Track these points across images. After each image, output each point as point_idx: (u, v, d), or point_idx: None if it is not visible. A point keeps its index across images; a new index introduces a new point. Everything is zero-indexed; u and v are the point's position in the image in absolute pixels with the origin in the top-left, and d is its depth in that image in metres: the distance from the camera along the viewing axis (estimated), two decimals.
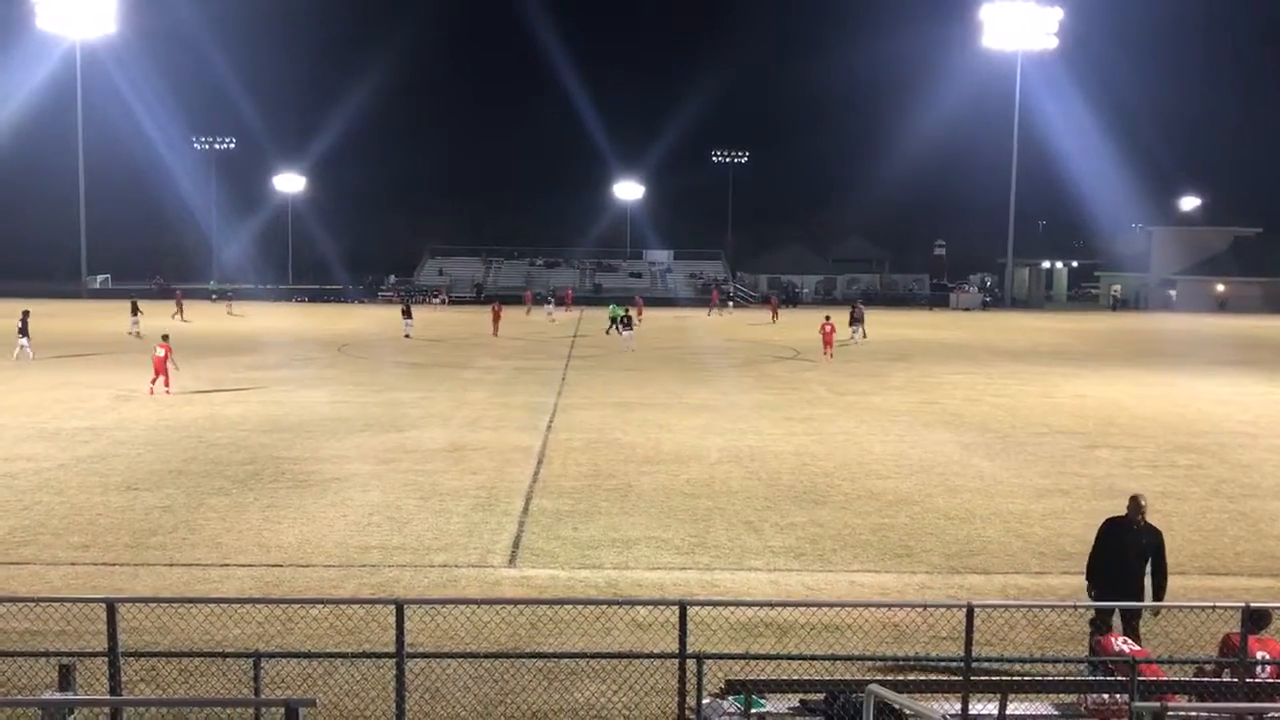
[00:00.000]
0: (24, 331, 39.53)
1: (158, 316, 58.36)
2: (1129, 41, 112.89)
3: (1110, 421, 27.81)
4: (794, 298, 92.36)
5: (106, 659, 9.05)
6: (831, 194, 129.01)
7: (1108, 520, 11.33)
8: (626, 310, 54.50)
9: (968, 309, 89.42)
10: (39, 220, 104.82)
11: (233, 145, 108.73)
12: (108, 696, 9.05)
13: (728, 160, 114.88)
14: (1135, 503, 11.18)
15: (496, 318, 56.06)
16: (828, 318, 45.95)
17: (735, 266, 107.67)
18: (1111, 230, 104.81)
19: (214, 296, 73.67)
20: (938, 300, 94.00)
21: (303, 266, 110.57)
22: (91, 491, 18.76)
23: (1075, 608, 11.19)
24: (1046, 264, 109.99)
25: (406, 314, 54.55)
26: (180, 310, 63.04)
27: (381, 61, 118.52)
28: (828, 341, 44.19)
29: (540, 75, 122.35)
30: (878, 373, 38.86)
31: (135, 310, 52.56)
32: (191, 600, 10.71)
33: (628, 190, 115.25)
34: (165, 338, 31.42)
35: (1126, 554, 11.01)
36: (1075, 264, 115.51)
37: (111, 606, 8.99)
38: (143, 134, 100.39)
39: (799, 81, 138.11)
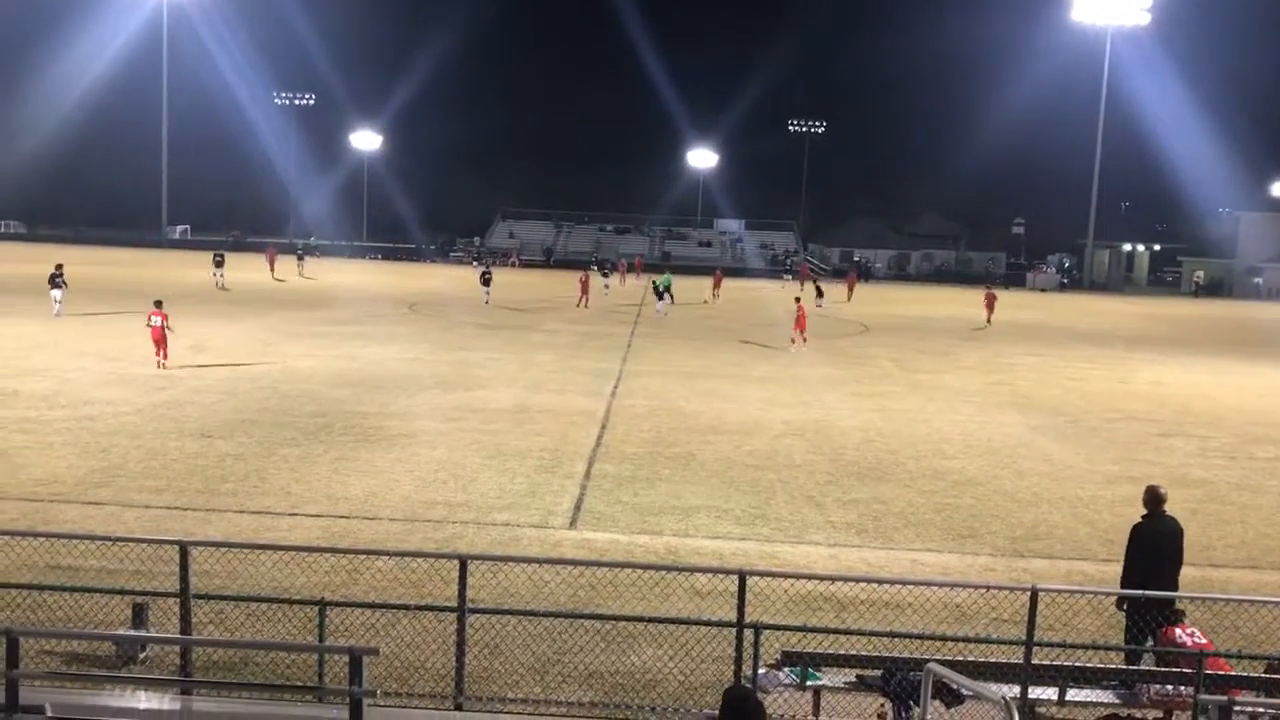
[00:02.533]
0: (56, 284, 37.26)
1: (237, 269, 59.50)
2: (1225, 20, 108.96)
3: (1186, 409, 27.16)
4: (866, 273, 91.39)
5: (178, 599, 9.29)
6: (908, 167, 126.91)
7: (1137, 525, 10.87)
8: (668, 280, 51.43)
9: (1044, 290, 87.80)
10: (124, 171, 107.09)
11: (312, 101, 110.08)
12: (178, 635, 9.30)
13: (804, 130, 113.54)
14: (1156, 493, 10.77)
15: (585, 289, 52.50)
16: (797, 299, 40.47)
17: (807, 238, 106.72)
18: (1197, 214, 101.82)
19: (301, 254, 73.87)
20: (1014, 280, 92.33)
21: (378, 224, 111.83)
22: (167, 437, 19.25)
23: (1143, 597, 10.97)
24: (1127, 246, 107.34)
25: (486, 281, 50.55)
26: (272, 267, 62.74)
27: (460, 21, 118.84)
28: (800, 325, 36.67)
29: (618, 40, 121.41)
30: (949, 351, 38.34)
31: (218, 263, 53.56)
32: (260, 546, 10.94)
33: (701, 158, 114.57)
34: (159, 304, 27.69)
35: (1161, 548, 10.62)
36: (1157, 247, 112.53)
37: (184, 549, 9.23)
38: (226, 88, 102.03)
39: (880, 51, 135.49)
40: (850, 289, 64.86)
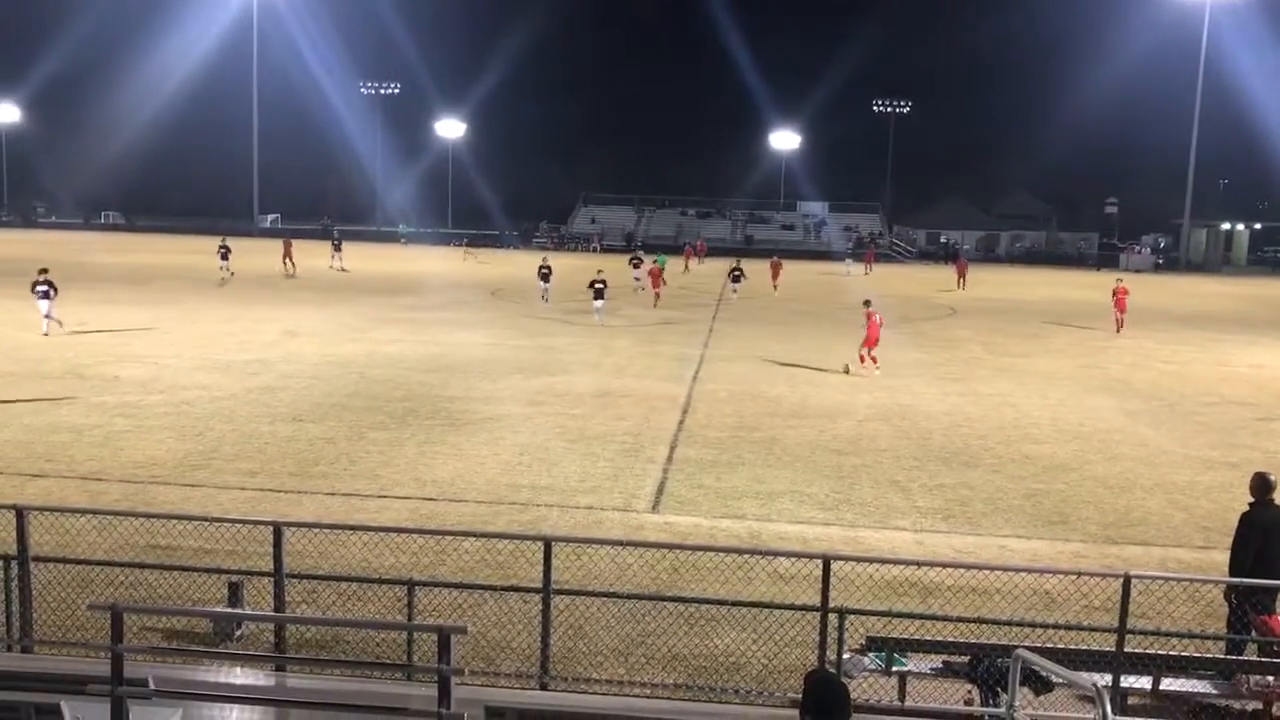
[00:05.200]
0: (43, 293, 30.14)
1: (315, 257, 60.68)
2: None
3: None
4: (953, 254, 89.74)
5: (272, 578, 9.54)
6: (997, 146, 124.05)
7: (1246, 513, 10.51)
8: (738, 264, 48.21)
9: (1139, 271, 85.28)
10: (217, 162, 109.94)
11: (397, 90, 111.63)
12: (273, 613, 9.55)
13: (889, 110, 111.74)
14: (1265, 480, 10.40)
15: (776, 272, 51.48)
16: (867, 307, 29.21)
17: (892, 220, 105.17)
18: None
19: (403, 240, 74.36)
20: (1107, 261, 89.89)
21: (461, 211, 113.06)
22: (260, 421, 19.75)
23: (1241, 584, 10.66)
24: (1226, 225, 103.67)
25: (544, 276, 42.90)
26: (289, 256, 55.15)
27: (542, 7, 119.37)
28: (871, 340, 27.52)
29: (700, 22, 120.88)
30: (1039, 334, 37.56)
31: (224, 254, 49.75)
32: (352, 527, 11.19)
33: (784, 140, 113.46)
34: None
35: (1271, 537, 10.27)
36: (1258, 226, 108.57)
37: (279, 529, 9.47)
38: (313, 79, 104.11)
39: (967, 28, 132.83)
40: (961, 275, 59.21)
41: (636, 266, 50.85)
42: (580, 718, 6.77)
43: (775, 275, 52.65)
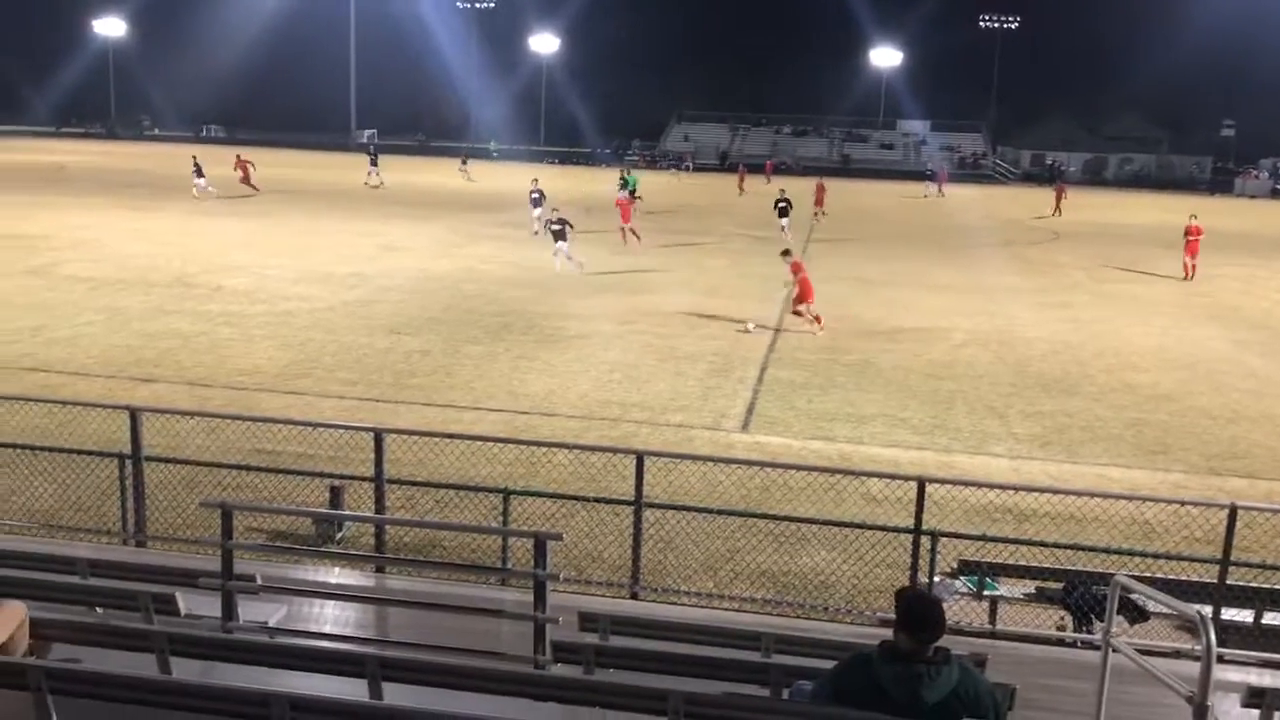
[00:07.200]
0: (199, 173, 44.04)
1: (403, 171, 61.14)
2: None
3: None
4: (1059, 176, 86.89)
5: (372, 484, 9.80)
6: (1107, 65, 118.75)
7: None
8: (783, 195, 39.29)
9: (1254, 197, 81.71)
10: (316, 78, 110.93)
11: (493, 4, 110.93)
12: (374, 515, 9.84)
13: (996, 25, 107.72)
14: None
15: (820, 196, 46.66)
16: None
17: (996, 140, 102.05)
18: None
19: (495, 155, 73.81)
20: (1220, 186, 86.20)
21: (554, 129, 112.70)
22: (358, 333, 20.17)
23: None
24: None
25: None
26: (248, 179, 47.44)
27: None
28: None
29: None
30: (1143, 260, 36.32)
31: (198, 171, 45.45)
32: (451, 436, 11.41)
33: (884, 56, 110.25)
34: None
35: None
36: None
37: (379, 435, 9.71)
38: None
39: None
40: (1058, 201, 54.19)
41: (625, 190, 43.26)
42: (670, 627, 6.86)
43: (819, 200, 47.16)
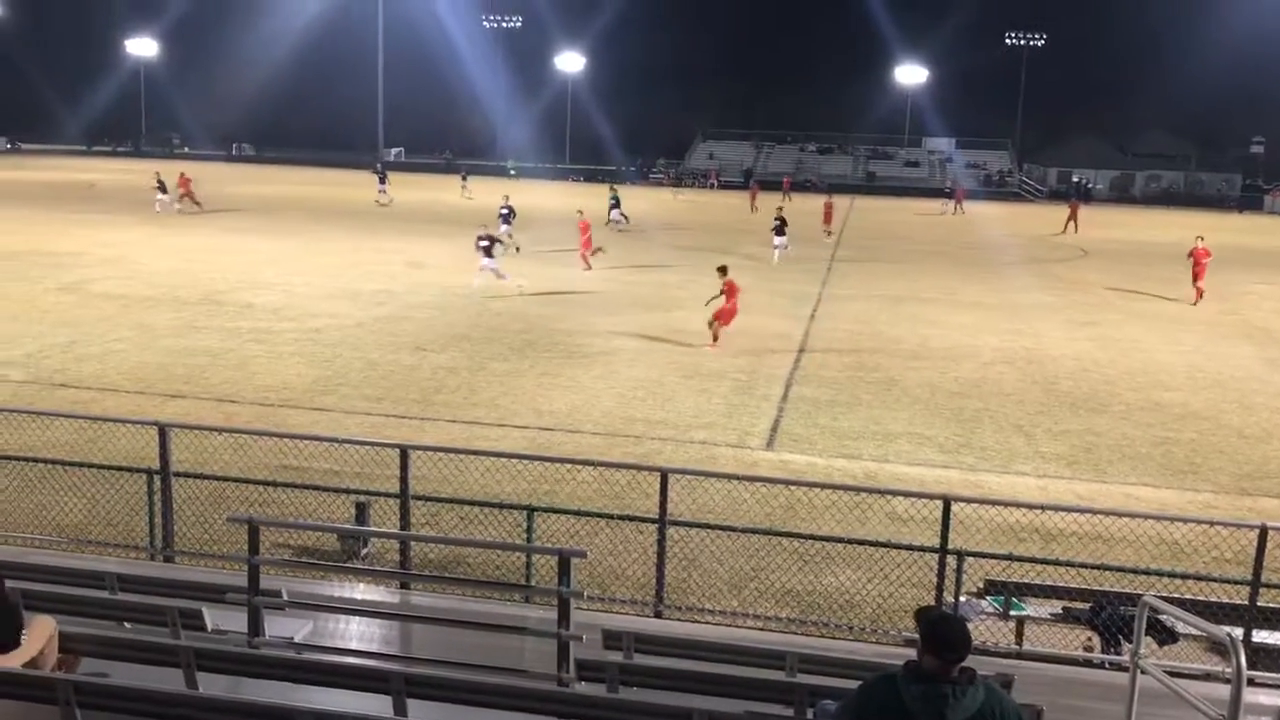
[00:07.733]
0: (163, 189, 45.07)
1: (439, 190, 61.48)
2: None
3: None
4: (1086, 194, 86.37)
5: (397, 500, 9.85)
6: (1134, 82, 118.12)
7: None
8: (781, 211, 38.96)
9: None
10: (343, 96, 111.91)
11: (519, 24, 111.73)
12: (399, 531, 9.88)
13: (1022, 43, 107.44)
14: None
15: (829, 214, 46.60)
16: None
17: (1022, 158, 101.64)
18: None
19: (513, 173, 74.15)
20: (1250, 203, 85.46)
21: (579, 146, 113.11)
22: (385, 349, 20.29)
23: None
24: None
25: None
26: (189, 195, 46.76)
27: None
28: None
29: None
30: (1173, 278, 36.02)
31: (161, 187, 45.42)
32: (474, 452, 11.45)
33: (910, 74, 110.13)
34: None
35: None
36: None
37: (405, 452, 9.75)
38: (436, 13, 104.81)
39: None
40: (1072, 217, 52.77)
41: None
42: (694, 645, 6.85)
43: (827, 219, 46.41)
